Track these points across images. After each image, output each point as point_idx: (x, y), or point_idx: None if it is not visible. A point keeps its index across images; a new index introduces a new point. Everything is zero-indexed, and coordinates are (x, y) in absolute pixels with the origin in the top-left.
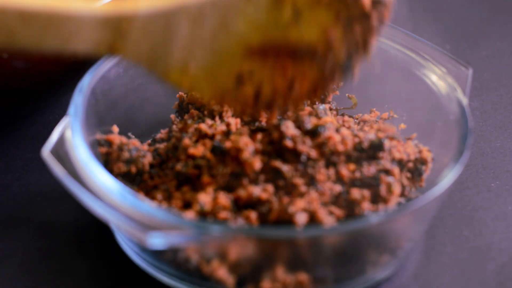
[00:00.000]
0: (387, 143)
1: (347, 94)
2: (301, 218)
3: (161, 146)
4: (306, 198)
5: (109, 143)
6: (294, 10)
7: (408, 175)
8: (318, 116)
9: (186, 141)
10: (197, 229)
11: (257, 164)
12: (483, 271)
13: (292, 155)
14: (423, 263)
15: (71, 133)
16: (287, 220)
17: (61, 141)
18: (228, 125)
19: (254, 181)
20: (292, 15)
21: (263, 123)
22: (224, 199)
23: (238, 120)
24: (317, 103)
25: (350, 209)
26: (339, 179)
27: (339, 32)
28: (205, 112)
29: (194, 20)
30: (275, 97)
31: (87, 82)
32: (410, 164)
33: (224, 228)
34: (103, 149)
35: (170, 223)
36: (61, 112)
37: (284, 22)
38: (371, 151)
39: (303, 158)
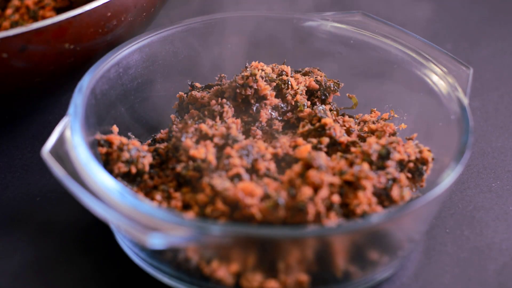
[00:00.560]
0: (391, 150)
1: (347, 94)
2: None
3: (161, 146)
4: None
5: (109, 143)
6: None
7: (409, 175)
8: (317, 116)
9: (188, 142)
10: (197, 229)
11: None
12: (484, 271)
13: None
14: (424, 263)
15: (70, 133)
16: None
17: (60, 141)
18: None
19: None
20: None
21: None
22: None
23: (239, 121)
24: (317, 103)
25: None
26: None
27: None
28: (205, 112)
29: None
30: None
31: (86, 82)
32: (411, 164)
33: (224, 228)
34: (103, 149)
35: (170, 223)
36: (61, 111)
37: None
38: (379, 162)
39: None
